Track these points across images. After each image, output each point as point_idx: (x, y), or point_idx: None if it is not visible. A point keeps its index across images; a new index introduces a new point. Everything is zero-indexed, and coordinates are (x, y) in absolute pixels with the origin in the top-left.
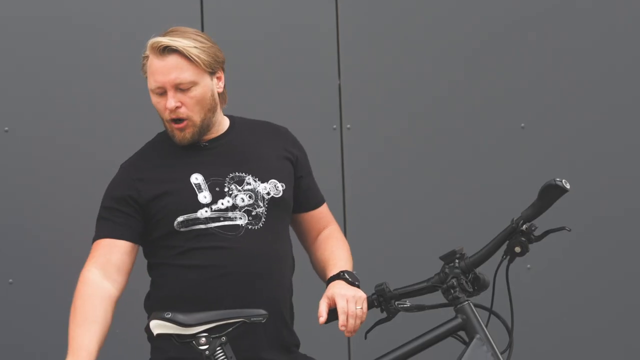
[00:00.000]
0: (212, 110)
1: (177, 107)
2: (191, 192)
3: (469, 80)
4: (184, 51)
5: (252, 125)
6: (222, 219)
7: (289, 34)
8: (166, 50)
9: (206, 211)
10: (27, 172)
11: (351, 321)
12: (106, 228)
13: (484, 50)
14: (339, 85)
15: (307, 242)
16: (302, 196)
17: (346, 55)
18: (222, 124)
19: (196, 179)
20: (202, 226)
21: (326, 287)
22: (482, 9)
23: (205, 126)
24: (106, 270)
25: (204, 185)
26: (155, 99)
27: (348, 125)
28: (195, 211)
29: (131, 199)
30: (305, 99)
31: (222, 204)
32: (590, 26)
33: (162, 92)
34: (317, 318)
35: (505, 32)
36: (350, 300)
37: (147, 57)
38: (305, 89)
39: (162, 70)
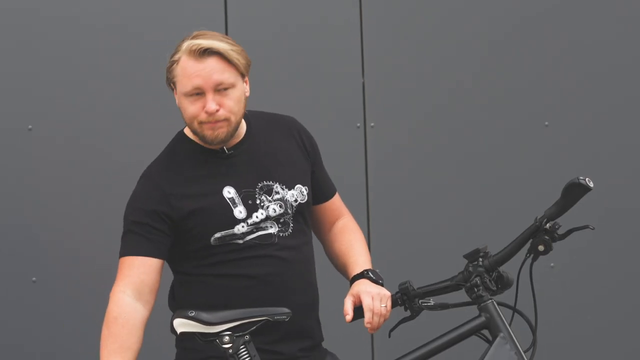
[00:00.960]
0: (243, 114)
1: (216, 110)
2: (226, 208)
3: (492, 77)
4: (225, 53)
5: (266, 124)
6: (255, 230)
7: (312, 32)
8: (206, 52)
9: (243, 226)
10: (50, 171)
11: (376, 319)
12: (139, 245)
13: (507, 46)
14: (363, 83)
15: (322, 232)
16: (316, 189)
17: (370, 54)
18: (242, 127)
19: (229, 192)
20: (240, 241)
21: (350, 285)
22: (505, 5)
23: (236, 129)
24: (141, 291)
25: (237, 199)
26: (187, 102)
27: (372, 124)
28: (232, 227)
29: (164, 214)
30: (329, 97)
31: (257, 217)
32: (618, 24)
33: (199, 95)
34: (343, 316)
35: (530, 28)
36: (375, 298)
37: (176, 61)
38: (329, 88)
39: (202, 73)
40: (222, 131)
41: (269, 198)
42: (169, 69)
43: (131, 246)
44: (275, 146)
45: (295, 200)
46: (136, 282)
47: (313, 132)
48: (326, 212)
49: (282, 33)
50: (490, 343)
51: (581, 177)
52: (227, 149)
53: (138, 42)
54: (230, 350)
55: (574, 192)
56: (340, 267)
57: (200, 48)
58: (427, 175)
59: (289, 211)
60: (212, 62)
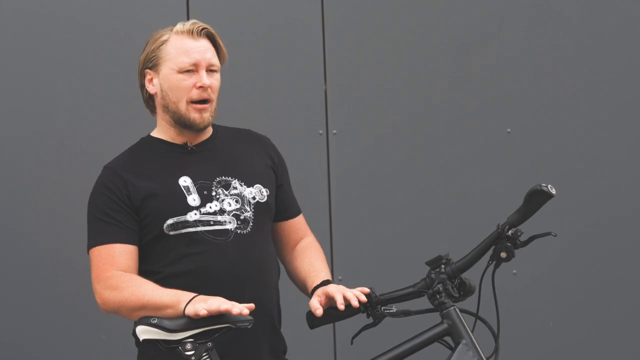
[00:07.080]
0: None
1: (209, 85)
2: (180, 194)
3: (456, 85)
4: (217, 38)
5: (234, 133)
6: (212, 222)
7: (275, 38)
8: (202, 32)
9: (195, 214)
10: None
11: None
12: (114, 232)
13: (470, 55)
14: (325, 90)
15: (284, 251)
16: (281, 204)
17: (332, 61)
18: (209, 129)
19: (184, 181)
20: (192, 229)
21: (311, 294)
22: (468, 15)
23: (213, 116)
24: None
25: (192, 188)
26: (180, 77)
27: (334, 131)
28: (185, 213)
29: (127, 198)
30: (291, 104)
31: (210, 207)
32: (578, 32)
33: (190, 72)
34: (306, 323)
35: (493, 37)
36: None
37: (165, 41)
38: (291, 94)
39: (199, 50)
40: (207, 115)
41: (226, 192)
42: (153, 51)
43: (106, 234)
44: (239, 149)
45: (254, 198)
46: (125, 268)
47: (274, 139)
48: (290, 230)
49: (243, 38)
50: (453, 350)
51: (543, 184)
52: (190, 146)
53: (105, 54)
54: (193, 358)
55: (536, 199)
56: (300, 284)
57: (199, 27)
58: (390, 183)
59: (247, 208)
60: (206, 43)
